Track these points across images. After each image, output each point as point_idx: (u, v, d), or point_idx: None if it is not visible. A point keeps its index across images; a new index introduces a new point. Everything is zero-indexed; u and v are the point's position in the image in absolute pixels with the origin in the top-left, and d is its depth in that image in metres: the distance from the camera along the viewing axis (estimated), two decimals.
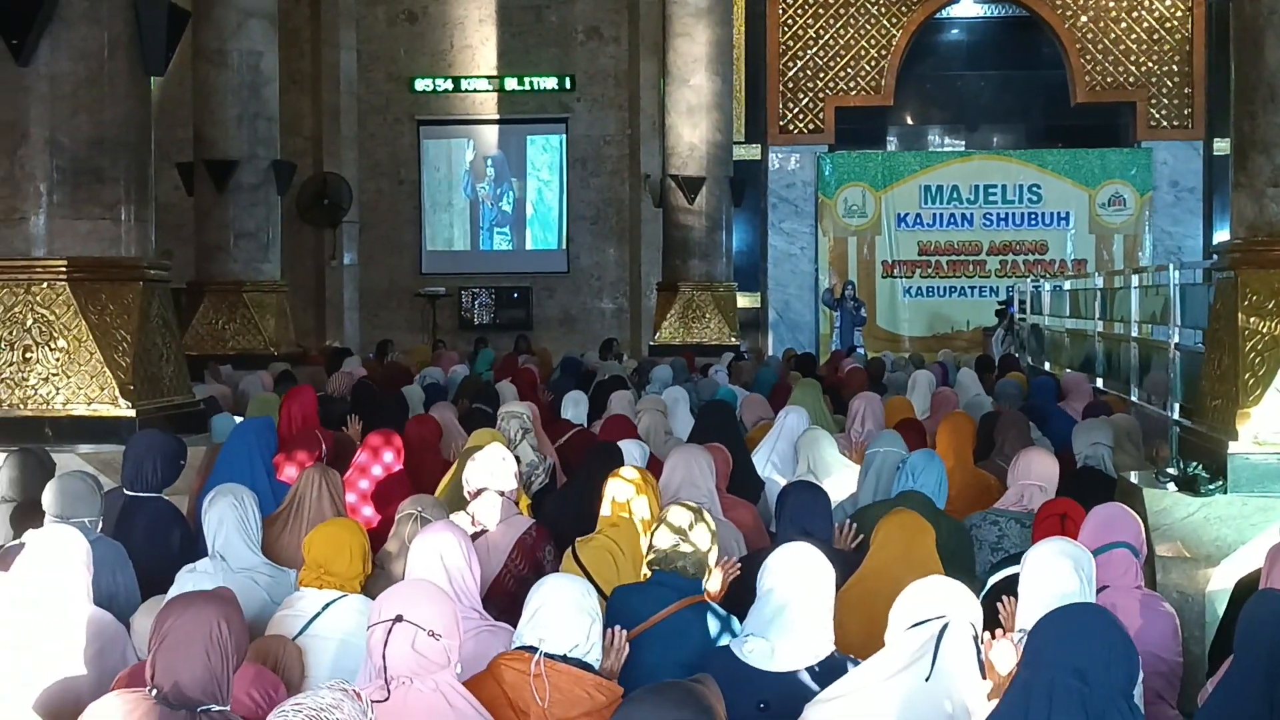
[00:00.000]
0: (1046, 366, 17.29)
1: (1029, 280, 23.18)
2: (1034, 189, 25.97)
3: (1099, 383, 14.42)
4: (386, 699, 3.82)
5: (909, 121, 27.70)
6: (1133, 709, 3.40)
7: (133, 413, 8.70)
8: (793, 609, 4.59)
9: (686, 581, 5.22)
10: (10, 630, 4.62)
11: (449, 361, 16.89)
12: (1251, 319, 6.76)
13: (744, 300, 24.31)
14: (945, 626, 4.00)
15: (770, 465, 8.91)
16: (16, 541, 5.73)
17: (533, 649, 4.37)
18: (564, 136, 26.49)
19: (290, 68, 23.92)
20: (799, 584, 4.62)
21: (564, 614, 4.40)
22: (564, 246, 26.68)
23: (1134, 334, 13.14)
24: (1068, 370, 14.87)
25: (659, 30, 24.45)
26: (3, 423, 8.54)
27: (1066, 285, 18.78)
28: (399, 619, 3.93)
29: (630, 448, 8.06)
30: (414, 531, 5.81)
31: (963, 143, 27.44)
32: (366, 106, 26.45)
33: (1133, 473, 7.36)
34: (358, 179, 26.02)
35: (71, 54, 8.82)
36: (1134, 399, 12.77)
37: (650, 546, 5.44)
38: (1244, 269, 6.90)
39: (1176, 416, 9.61)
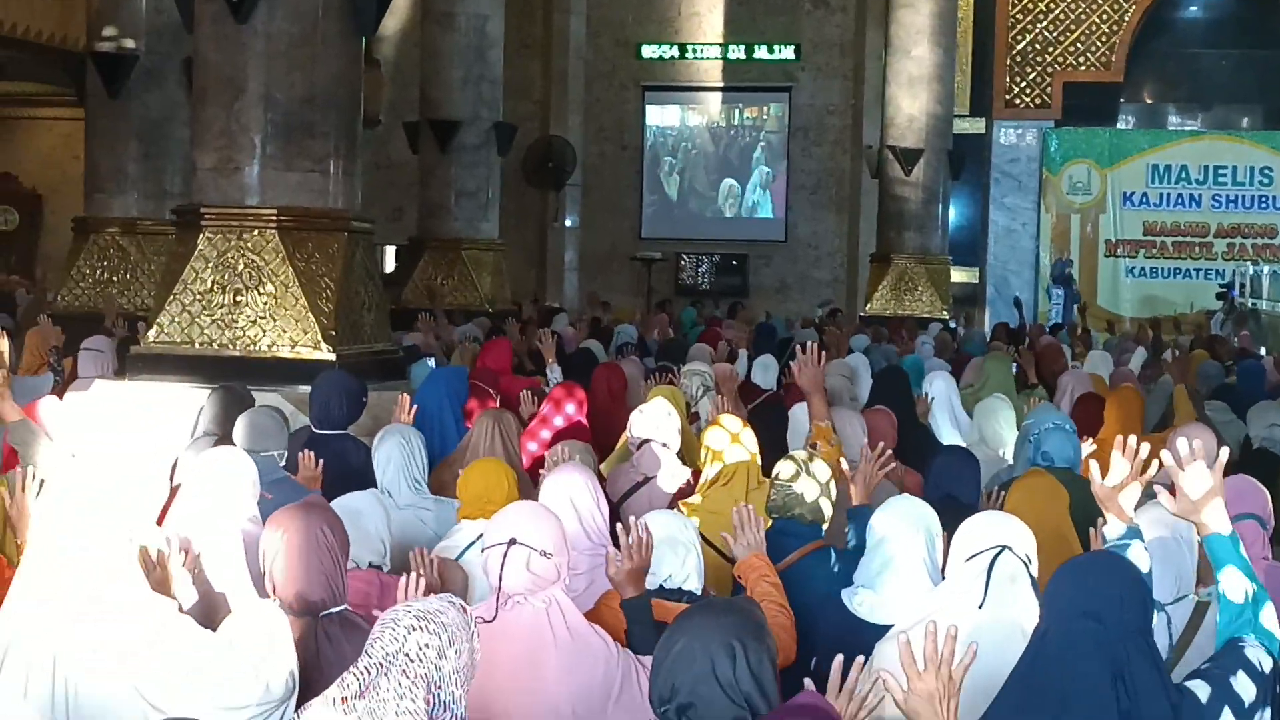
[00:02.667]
0: (1262, 351, 16.96)
1: (1260, 264, 22.68)
2: (1265, 171, 25.31)
3: None
4: (493, 619, 4.08)
5: (1139, 99, 27.17)
6: (1150, 646, 3.47)
7: (333, 357, 9.10)
8: (899, 562, 4.76)
9: (805, 527, 5.43)
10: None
11: (657, 323, 17.17)
12: None
13: (961, 275, 24.20)
14: (996, 556, 4.14)
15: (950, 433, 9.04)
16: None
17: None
18: (787, 105, 26.59)
19: (521, 33, 24.44)
20: (905, 537, 4.78)
21: (658, 547, 4.63)
22: (783, 215, 26.78)
23: None
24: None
25: (885, 1, 24.42)
26: (212, 361, 9.01)
27: None
28: (513, 542, 4.19)
29: (800, 412, 8.26)
30: None
31: (1194, 122, 26.82)
32: (593, 72, 26.88)
33: None
34: (582, 143, 26.48)
35: (287, 13, 9.24)
36: None
37: (768, 498, 5.68)
38: None
39: None
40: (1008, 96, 25.81)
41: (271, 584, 4.23)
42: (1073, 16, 25.57)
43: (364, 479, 7.21)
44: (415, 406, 7.79)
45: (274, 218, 9.21)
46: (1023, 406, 9.20)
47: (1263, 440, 7.92)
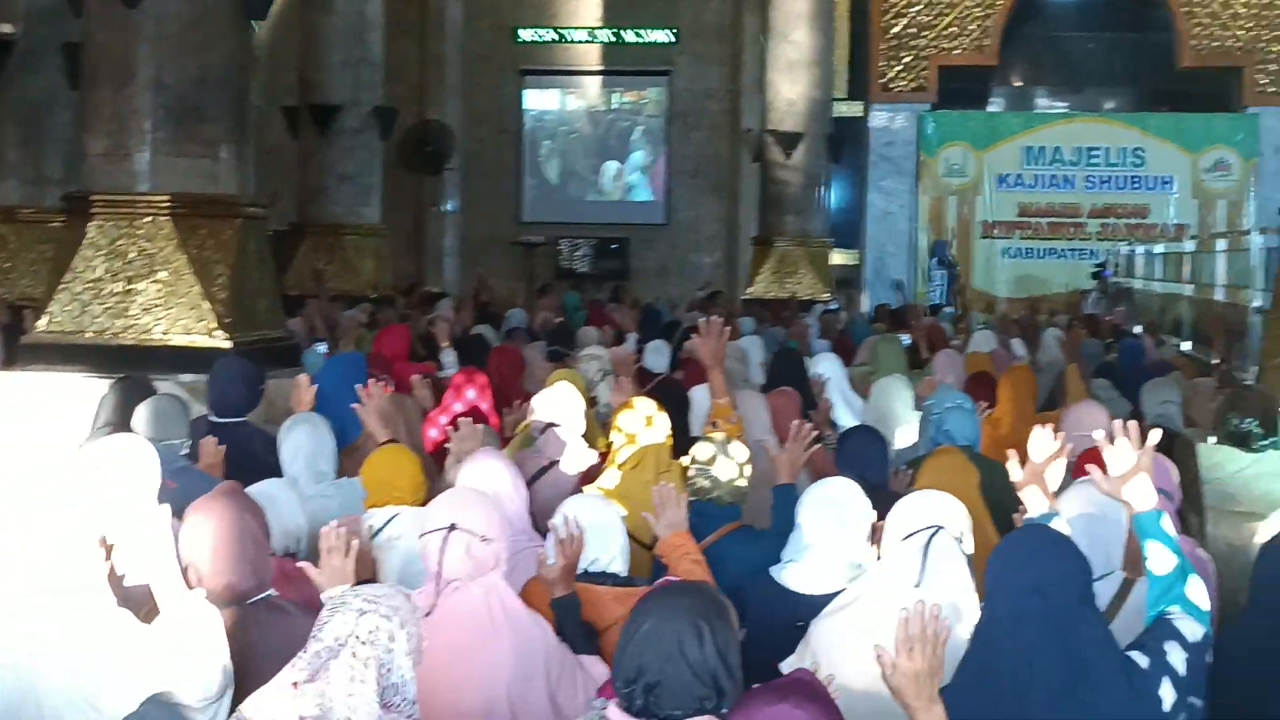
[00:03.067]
0: (1136, 329, 17.29)
1: (1130, 244, 23.11)
2: (1137, 152, 25.79)
3: (1185, 346, 14.47)
4: (431, 611, 4.08)
5: (1013, 82, 27.58)
6: (1095, 614, 3.56)
7: (228, 344, 8.99)
8: (827, 536, 4.82)
9: (722, 509, 5.50)
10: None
11: (544, 307, 17.15)
12: None
13: (841, 257, 24.42)
14: (933, 535, 4.20)
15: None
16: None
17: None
18: (666, 89, 26.65)
19: (398, 16, 24.18)
20: (832, 513, 4.84)
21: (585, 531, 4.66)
22: (663, 199, 26.85)
23: (1220, 298, 13.20)
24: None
25: None
26: (105, 350, 8.87)
27: (1158, 249, 18.74)
28: (453, 527, 4.18)
29: (701, 394, 8.31)
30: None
31: (1066, 104, 27.28)
32: (471, 56, 26.73)
33: (1192, 428, 7.46)
34: (460, 127, 26.34)
35: None
36: (1215, 361, 12.84)
37: (686, 481, 5.72)
38: None
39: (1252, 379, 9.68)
40: (884, 80, 26.06)
41: (196, 574, 4.17)
42: (947, 0, 25.85)
43: (266, 466, 7.13)
44: (315, 386, 7.71)
45: (166, 204, 9.07)
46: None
47: (1157, 417, 8.05)
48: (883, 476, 6.33)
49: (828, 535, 4.80)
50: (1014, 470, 4.34)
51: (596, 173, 27.24)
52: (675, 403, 7.98)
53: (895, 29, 26.01)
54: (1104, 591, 4.43)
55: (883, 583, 4.18)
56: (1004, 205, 26.03)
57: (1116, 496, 3.89)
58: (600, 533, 4.73)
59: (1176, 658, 3.56)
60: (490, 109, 26.98)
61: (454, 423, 8.55)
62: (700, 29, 26.43)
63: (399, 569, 5.26)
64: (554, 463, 6.87)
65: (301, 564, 4.58)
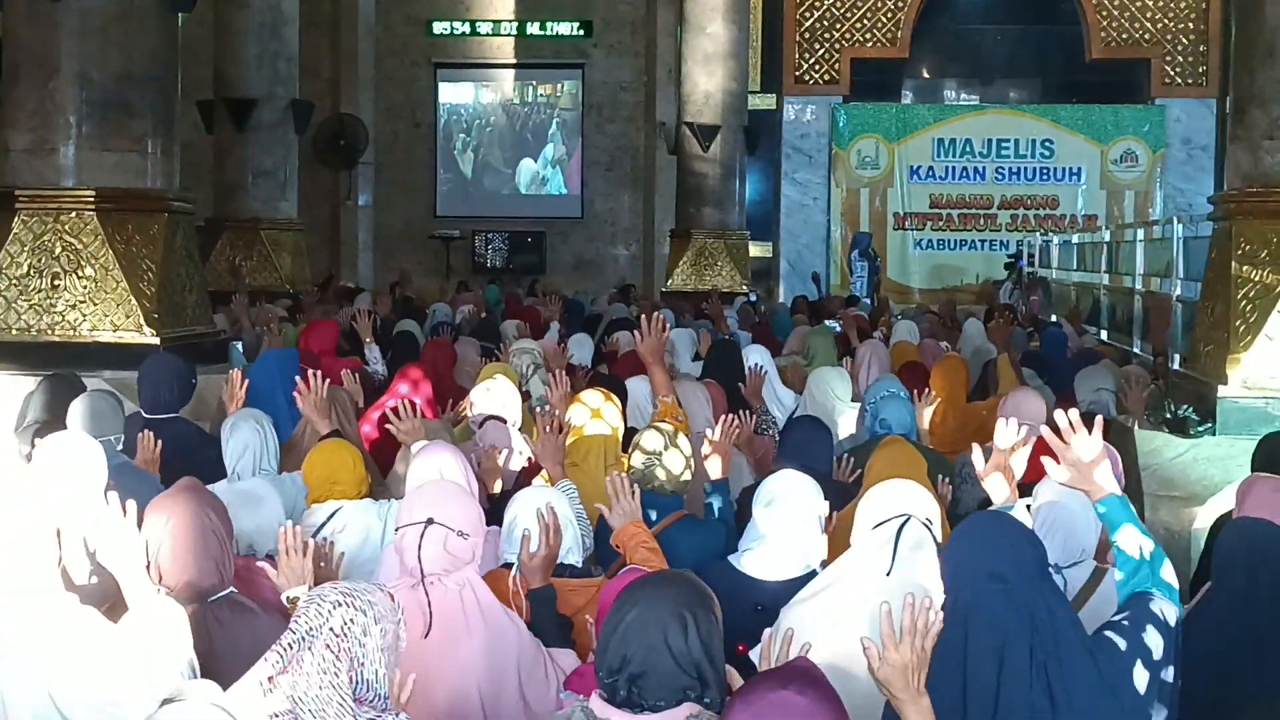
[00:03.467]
0: (1053, 319, 17.48)
1: (1038, 234, 23.35)
2: (1046, 144, 26.09)
3: (1103, 335, 14.65)
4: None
5: (924, 74, 27.81)
6: (1053, 588, 3.61)
7: (156, 340, 8.93)
8: (785, 524, 4.84)
9: (666, 499, 5.53)
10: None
11: (463, 301, 17.10)
12: (1244, 268, 6.98)
13: (756, 249, 24.50)
14: (904, 524, 4.22)
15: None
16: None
17: (510, 565, 4.65)
18: (581, 82, 26.62)
19: (309, 9, 23.96)
20: (790, 503, 4.86)
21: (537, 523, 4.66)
22: (579, 192, 26.83)
23: (1138, 287, 13.36)
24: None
25: None
26: (31, 347, 8.77)
27: (1074, 239, 18.94)
28: (430, 522, 4.17)
29: (638, 385, 8.32)
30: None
31: (977, 97, 27.54)
32: (384, 49, 26.58)
33: (1129, 416, 7.57)
34: (374, 121, 26.16)
35: None
36: (1136, 350, 13.02)
37: (629, 470, 5.73)
38: (1239, 219, 7.12)
39: (1177, 366, 9.81)
40: (797, 73, 26.19)
41: (158, 572, 4.14)
42: None
43: (202, 462, 7.08)
44: (247, 382, 7.64)
45: (92, 199, 9.01)
46: None
47: (1091, 404, 8.16)
48: (827, 466, 6.38)
49: (783, 526, 4.83)
50: (977, 460, 4.38)
51: (512, 166, 27.14)
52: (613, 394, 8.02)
53: (808, 21, 26.14)
54: (1076, 578, 4.50)
55: (853, 570, 4.20)
56: (916, 197, 26.24)
57: (1080, 486, 3.93)
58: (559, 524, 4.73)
59: (1153, 640, 3.60)
60: (404, 102, 26.84)
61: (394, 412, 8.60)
62: (614, 21, 26.42)
63: (344, 564, 5.23)
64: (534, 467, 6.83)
65: (260, 563, 4.55)
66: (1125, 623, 3.63)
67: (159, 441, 6.45)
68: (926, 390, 7.90)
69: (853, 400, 8.74)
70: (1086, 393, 8.31)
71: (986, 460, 4.55)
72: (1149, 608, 3.66)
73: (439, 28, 26.60)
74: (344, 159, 25.51)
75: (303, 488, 6.21)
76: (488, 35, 26.67)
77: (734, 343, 9.92)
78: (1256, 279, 6.89)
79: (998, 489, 4.33)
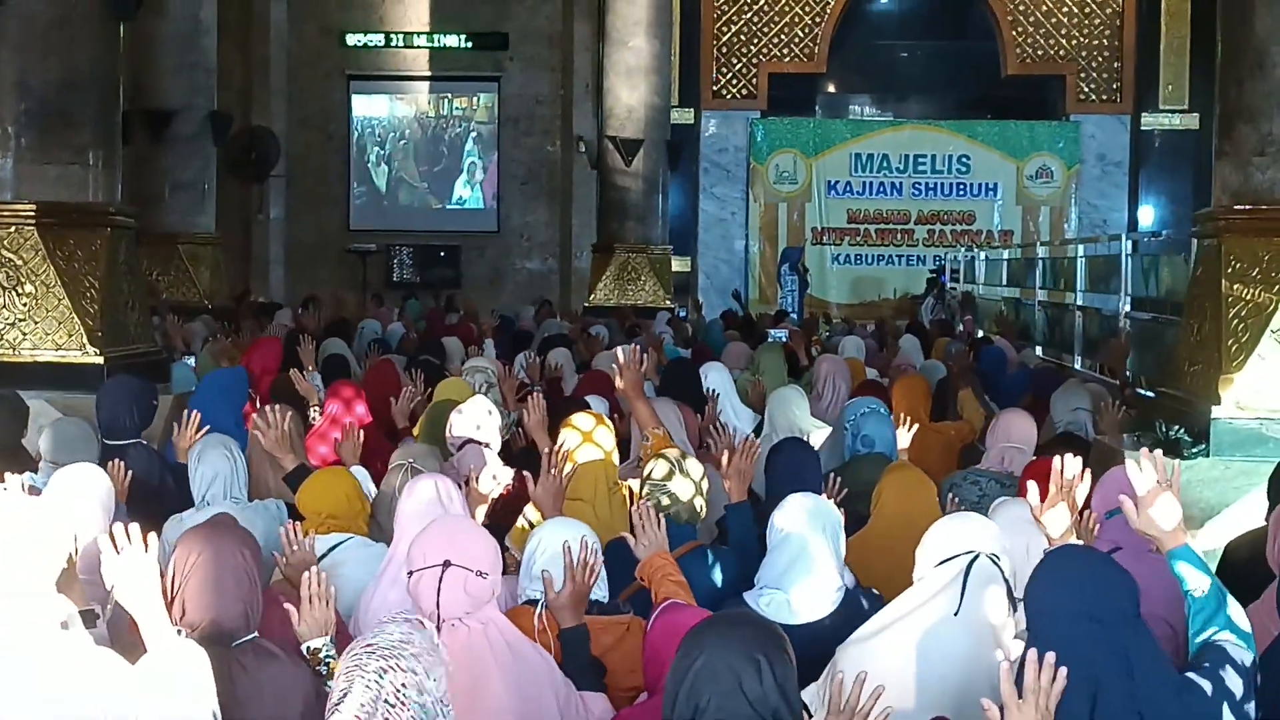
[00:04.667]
0: (979, 335, 17.48)
1: (960, 249, 23.41)
2: (963, 159, 26.19)
3: (1039, 351, 14.63)
4: None
5: (841, 89, 27.87)
6: (1147, 632, 3.47)
7: (100, 360, 8.64)
8: (806, 559, 4.65)
9: (678, 529, 5.29)
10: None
11: (383, 316, 16.82)
12: (1235, 286, 6.89)
13: (675, 264, 24.34)
14: (972, 561, 4.04)
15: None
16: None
17: (534, 602, 4.42)
18: (497, 95, 26.36)
19: (222, 19, 23.57)
20: (810, 534, 4.67)
21: (558, 559, 4.45)
22: (495, 206, 26.56)
23: (1079, 303, 13.35)
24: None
25: None
26: None
27: (1005, 254, 18.96)
28: (448, 564, 3.93)
29: (598, 404, 8.12)
30: (404, 481, 5.81)
31: (893, 112, 27.67)
32: (296, 60, 26.16)
33: (1118, 437, 7.46)
34: (286, 133, 25.76)
35: None
36: (1076, 367, 12.99)
37: (637, 499, 5.53)
38: (1228, 236, 7.03)
39: (1138, 386, 9.75)
40: (715, 87, 26.12)
41: (181, 609, 3.88)
42: (776, 8, 26.01)
43: (166, 491, 6.82)
44: (196, 413, 7.29)
45: (32, 214, 8.70)
46: None
47: (1068, 424, 8.07)
48: (818, 489, 6.19)
49: (811, 559, 4.64)
50: (1032, 495, 4.22)
51: (427, 180, 26.81)
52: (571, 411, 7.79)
53: (726, 36, 26.08)
54: None
55: (918, 608, 4.00)
56: (834, 212, 26.25)
57: (1151, 533, 3.81)
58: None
59: (1234, 682, 3.49)
60: (317, 114, 26.42)
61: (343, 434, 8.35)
62: (530, 35, 26.16)
63: (346, 599, 5.00)
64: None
65: (288, 606, 4.29)
66: (1207, 665, 3.52)
67: (129, 471, 6.18)
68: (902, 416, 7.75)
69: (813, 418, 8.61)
70: (1064, 412, 8.21)
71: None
72: (1226, 650, 3.56)
73: (352, 39, 26.21)
74: (255, 172, 25.08)
75: (278, 516, 5.98)
76: (402, 47, 26.32)
77: (690, 361, 9.71)
78: (1248, 297, 6.81)
79: (1058, 522, 4.16)
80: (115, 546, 3.79)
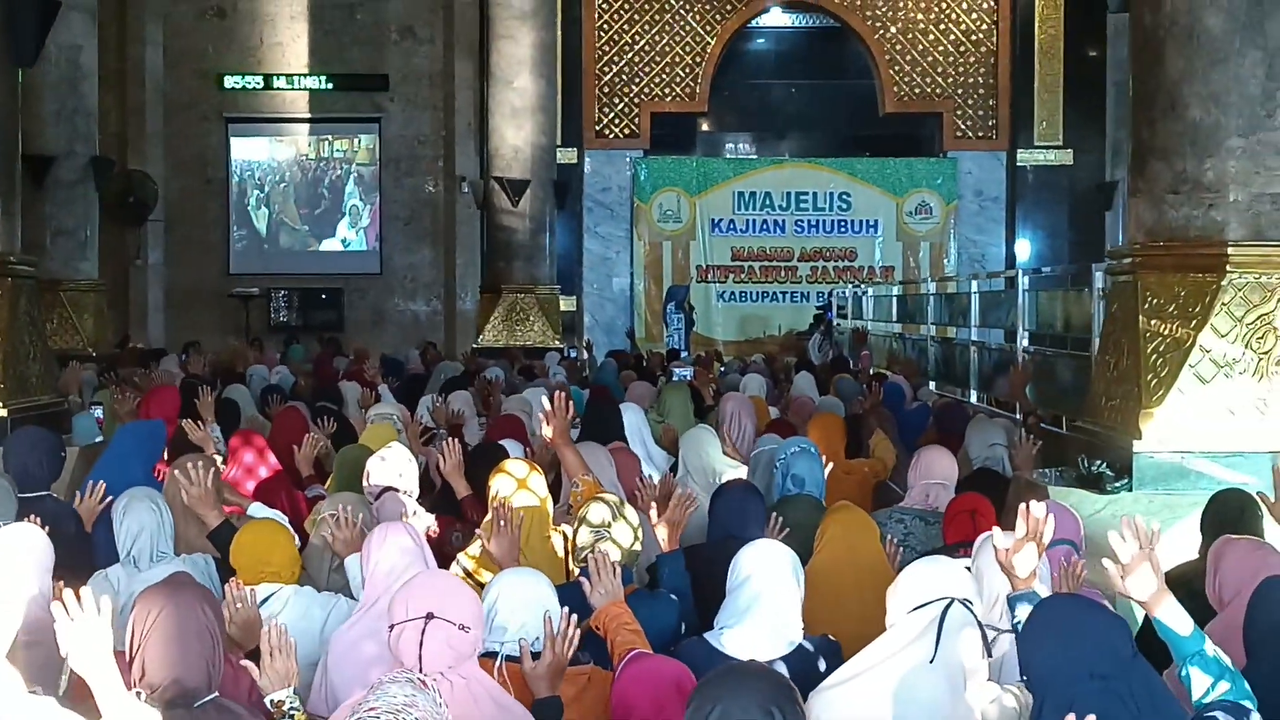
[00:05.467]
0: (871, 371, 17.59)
1: (848, 286, 23.60)
2: (844, 197, 26.45)
3: (932, 385, 14.77)
4: None
5: (723, 128, 28.06)
6: (1145, 666, 3.53)
7: (3, 412, 8.43)
8: (766, 601, 4.66)
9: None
10: None
11: (270, 361, 16.62)
12: (1153, 321, 6.98)
13: (562, 304, 24.32)
14: (947, 608, 4.04)
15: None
16: None
17: (493, 654, 4.37)
18: (377, 136, 26.20)
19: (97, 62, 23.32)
20: (772, 578, 4.68)
21: (521, 609, 4.40)
22: (377, 247, 26.37)
23: (974, 337, 13.49)
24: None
25: (475, 31, 24.45)
26: None
27: (895, 290, 19.13)
28: (430, 617, 3.87)
29: (512, 448, 8.07)
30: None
31: (775, 150, 27.90)
32: (173, 103, 25.82)
33: (1040, 471, 7.53)
34: (164, 177, 25.40)
35: None
36: (973, 400, 13.12)
37: (574, 545, 5.48)
38: (1143, 273, 7.12)
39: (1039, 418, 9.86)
40: (598, 127, 26.17)
41: (141, 670, 3.78)
42: (658, 48, 26.15)
43: (78, 543, 6.66)
44: (102, 486, 7.08)
45: None
46: None
47: (985, 460, 8.13)
48: (761, 531, 6.19)
49: (765, 603, 4.64)
50: (999, 538, 4.23)
51: (307, 222, 26.56)
52: (490, 464, 7.72)
53: (607, 76, 26.17)
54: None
55: (893, 656, 3.99)
56: (718, 250, 26.38)
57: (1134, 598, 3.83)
58: (538, 609, 4.46)
59: None
60: (194, 158, 26.09)
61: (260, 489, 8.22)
62: (410, 75, 26.06)
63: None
64: None
65: (244, 663, 4.19)
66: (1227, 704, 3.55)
67: (45, 526, 6.01)
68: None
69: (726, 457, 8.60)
70: (980, 448, 8.28)
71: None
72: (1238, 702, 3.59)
73: (230, 81, 25.94)
74: (133, 216, 24.71)
75: (205, 570, 5.89)
76: (281, 89, 26.09)
77: (612, 402, 9.66)
78: (1165, 333, 6.90)
79: (1026, 563, 4.17)
80: (67, 611, 3.66)
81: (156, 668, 3.76)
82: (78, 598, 3.68)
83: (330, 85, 26.02)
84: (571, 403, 7.13)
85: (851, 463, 8.88)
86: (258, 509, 6.84)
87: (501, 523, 5.41)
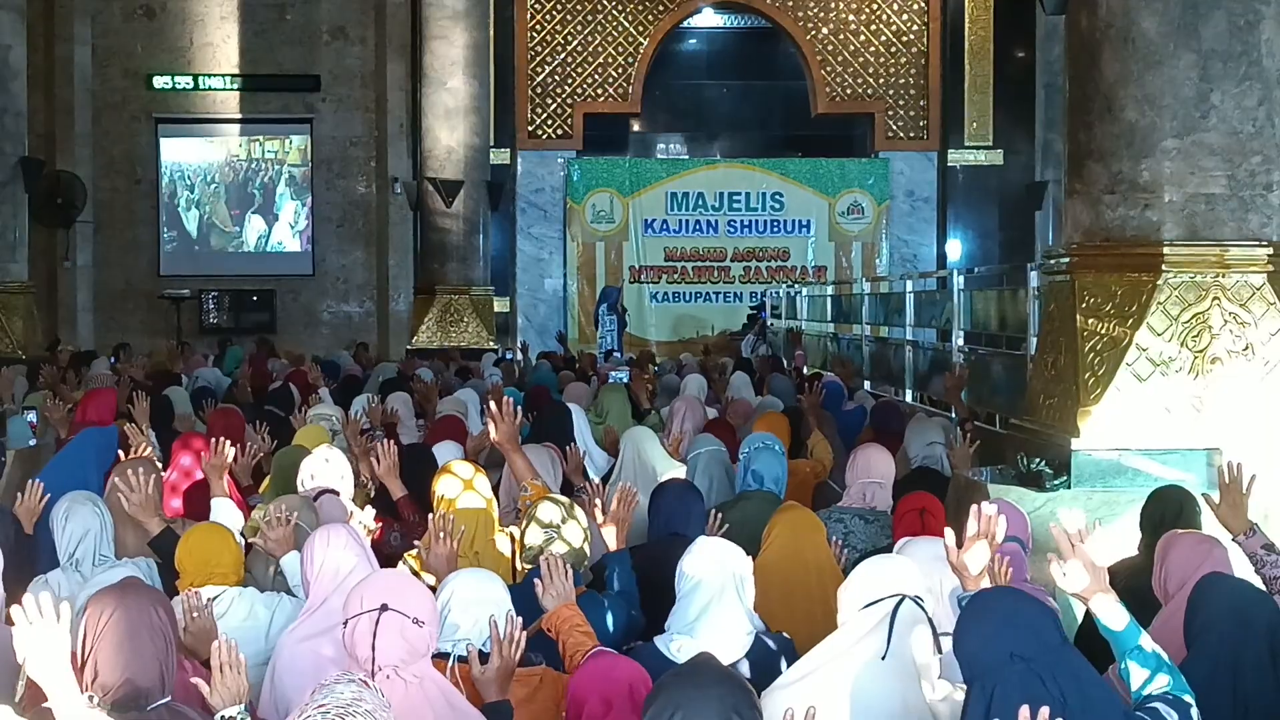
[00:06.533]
0: (805, 370, 17.67)
1: (781, 286, 23.69)
2: (776, 197, 26.54)
3: (866, 385, 14.85)
4: None
5: (656, 129, 28.11)
6: (1075, 654, 3.60)
7: None
8: (716, 605, 4.68)
9: None
10: None
11: (196, 364, 16.51)
12: (1090, 320, 7.05)
13: (496, 305, 24.30)
14: (898, 604, 4.07)
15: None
16: None
17: (445, 655, 4.37)
18: (309, 137, 26.07)
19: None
20: (719, 584, 4.69)
21: (474, 607, 4.44)
22: (309, 248, 26.24)
23: (909, 337, 13.58)
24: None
25: (407, 32, 24.40)
26: None
27: (829, 290, 19.21)
28: (385, 608, 3.87)
29: (451, 449, 8.08)
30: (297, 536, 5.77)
31: (707, 151, 27.96)
32: (102, 103, 25.61)
33: (979, 470, 7.58)
34: (92, 178, 25.17)
35: None
36: (908, 399, 13.21)
37: (523, 545, 5.49)
38: (1080, 272, 7.19)
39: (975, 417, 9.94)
40: (530, 127, 26.15)
41: (93, 672, 3.75)
42: (590, 48, 26.17)
43: (18, 546, 6.60)
44: (41, 485, 7.01)
45: None
46: None
47: (924, 459, 8.19)
48: (702, 529, 6.21)
49: (715, 610, 4.66)
50: (949, 537, 4.28)
51: (238, 223, 26.39)
52: (424, 465, 7.70)
53: (540, 76, 26.16)
54: None
55: (845, 653, 4.02)
56: (651, 250, 26.42)
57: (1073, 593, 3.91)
58: (491, 608, 4.46)
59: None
60: (123, 158, 25.86)
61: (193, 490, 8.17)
62: (341, 75, 25.93)
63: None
64: None
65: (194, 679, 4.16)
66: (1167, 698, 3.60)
67: None
68: None
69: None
70: (919, 447, 8.32)
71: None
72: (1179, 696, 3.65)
73: (159, 81, 25.71)
74: (60, 217, 24.44)
75: (148, 574, 5.85)
76: (211, 90, 25.90)
77: (564, 406, 9.65)
78: (1103, 331, 6.96)
79: (978, 561, 4.22)
80: (27, 617, 3.64)
81: (109, 669, 3.74)
82: (21, 604, 3.65)
83: (261, 86, 25.84)
84: (519, 407, 7.15)
85: (794, 463, 8.91)
86: (221, 505, 6.86)
87: (441, 534, 5.40)
